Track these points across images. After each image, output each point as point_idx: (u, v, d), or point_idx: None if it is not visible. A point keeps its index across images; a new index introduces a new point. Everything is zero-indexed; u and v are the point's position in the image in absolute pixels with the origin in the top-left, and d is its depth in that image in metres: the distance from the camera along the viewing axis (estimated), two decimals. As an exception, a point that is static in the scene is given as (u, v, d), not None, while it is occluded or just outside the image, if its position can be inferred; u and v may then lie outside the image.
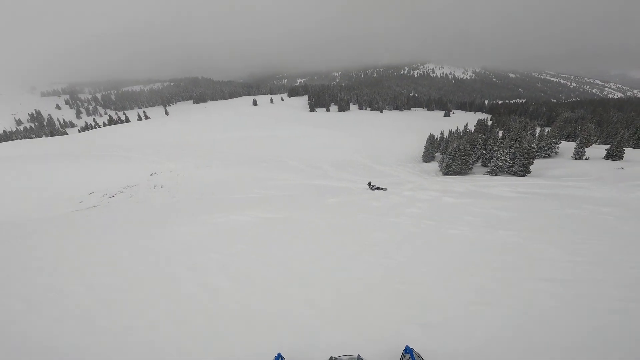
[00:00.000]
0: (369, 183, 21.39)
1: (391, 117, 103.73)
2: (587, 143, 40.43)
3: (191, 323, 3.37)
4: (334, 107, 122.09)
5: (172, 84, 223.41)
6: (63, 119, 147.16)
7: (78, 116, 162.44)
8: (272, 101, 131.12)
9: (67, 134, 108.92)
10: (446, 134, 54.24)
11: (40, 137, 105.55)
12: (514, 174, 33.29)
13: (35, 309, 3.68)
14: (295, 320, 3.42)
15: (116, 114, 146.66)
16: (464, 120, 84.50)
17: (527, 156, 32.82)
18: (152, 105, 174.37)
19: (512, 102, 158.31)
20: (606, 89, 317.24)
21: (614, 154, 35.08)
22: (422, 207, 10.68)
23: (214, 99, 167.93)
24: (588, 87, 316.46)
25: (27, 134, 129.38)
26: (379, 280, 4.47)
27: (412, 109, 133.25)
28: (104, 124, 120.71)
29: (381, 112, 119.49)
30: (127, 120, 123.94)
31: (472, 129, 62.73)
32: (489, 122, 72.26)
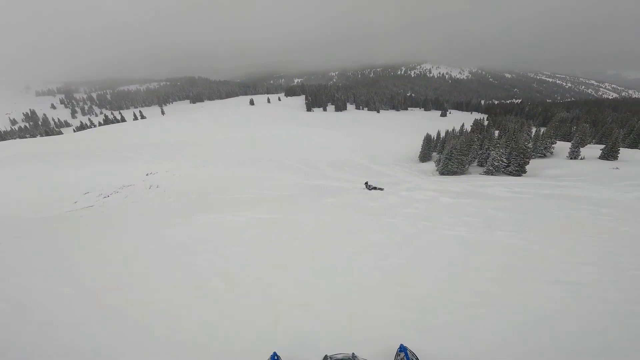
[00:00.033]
0: (366, 183, 21.37)
1: (388, 117, 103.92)
2: (582, 143, 40.68)
3: (184, 326, 3.33)
4: (331, 107, 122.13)
5: (168, 83, 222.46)
6: (58, 119, 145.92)
7: (73, 116, 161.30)
8: (269, 101, 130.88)
9: (62, 133, 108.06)
10: (443, 134, 54.36)
11: (35, 137, 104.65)
12: (510, 173, 33.42)
13: (25, 311, 3.61)
14: (291, 324, 3.38)
15: (112, 113, 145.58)
16: (461, 120, 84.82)
17: (522, 156, 32.96)
18: (148, 105, 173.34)
19: (508, 102, 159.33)
20: (601, 89, 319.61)
21: (609, 154, 35.34)
22: (419, 207, 10.63)
23: (210, 98, 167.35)
24: (583, 87, 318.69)
25: (22, 133, 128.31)
26: (376, 283, 4.42)
27: (409, 108, 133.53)
28: (100, 124, 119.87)
29: (378, 112, 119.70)
30: (123, 119, 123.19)
31: (469, 129, 62.91)
32: (485, 122, 72.58)
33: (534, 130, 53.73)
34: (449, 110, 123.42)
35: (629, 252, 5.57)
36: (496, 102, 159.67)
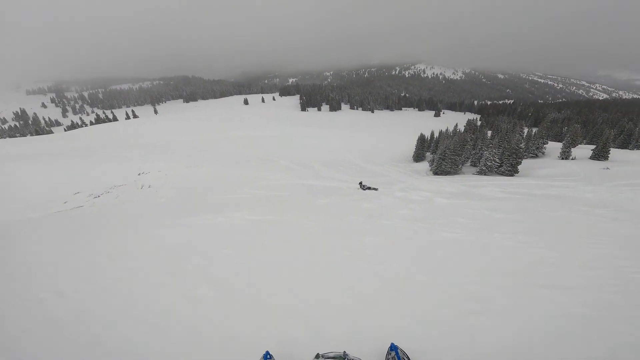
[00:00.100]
0: (360, 183, 21.31)
1: (382, 117, 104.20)
2: (573, 143, 41.17)
3: (169, 335, 3.21)
4: (325, 107, 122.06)
5: (161, 82, 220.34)
6: (49, 118, 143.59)
7: (64, 115, 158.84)
8: (263, 100, 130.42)
9: (52, 132, 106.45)
10: (436, 134, 54.61)
11: (25, 136, 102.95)
12: (503, 173, 33.65)
13: (4, 316, 3.47)
14: (281, 334, 3.28)
15: (103, 112, 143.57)
16: (454, 120, 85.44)
17: (515, 156, 33.20)
18: (141, 104, 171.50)
19: (501, 102, 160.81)
20: (592, 90, 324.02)
21: (600, 155, 35.79)
22: (414, 208, 10.57)
23: (204, 98, 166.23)
24: (574, 88, 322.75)
25: (12, 132, 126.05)
26: (371, 288, 4.31)
27: (403, 109, 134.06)
28: (91, 123, 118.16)
29: (372, 112, 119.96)
30: (115, 119, 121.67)
31: (462, 129, 63.38)
32: (478, 123, 73.19)
33: (526, 130, 54.27)
34: (443, 111, 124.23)
35: (628, 254, 5.50)
36: (489, 103, 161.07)
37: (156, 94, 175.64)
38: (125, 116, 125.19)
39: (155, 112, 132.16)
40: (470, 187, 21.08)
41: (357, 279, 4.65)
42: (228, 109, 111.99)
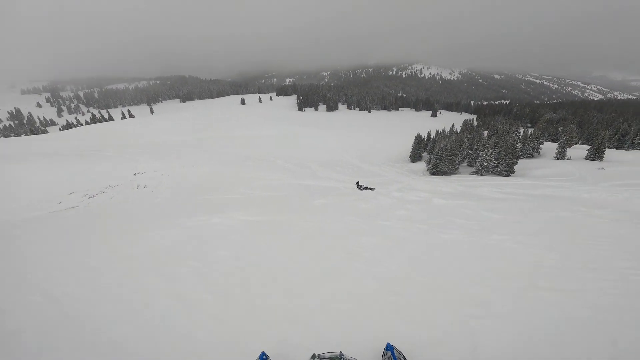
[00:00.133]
0: (357, 183, 21.29)
1: (379, 117, 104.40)
2: (568, 144, 41.42)
3: (161, 342, 3.12)
4: (322, 107, 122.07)
5: (158, 82, 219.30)
6: (44, 117, 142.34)
7: (59, 114, 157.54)
8: (260, 100, 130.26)
9: (47, 132, 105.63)
10: (433, 134, 54.75)
11: (20, 136, 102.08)
12: (499, 173, 33.78)
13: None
14: (277, 335, 3.23)
15: (99, 112, 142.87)
16: (451, 120, 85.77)
17: (511, 156, 33.35)
18: (137, 104, 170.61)
19: (497, 103, 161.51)
20: (587, 90, 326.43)
21: (595, 155, 36.02)
22: (412, 209, 10.48)
23: (201, 97, 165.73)
24: (569, 88, 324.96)
25: (6, 132, 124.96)
26: (368, 291, 4.24)
27: (400, 109, 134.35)
28: (87, 123, 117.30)
29: (369, 112, 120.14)
30: (111, 118, 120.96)
31: (459, 129, 63.70)
32: (475, 123, 73.54)
33: (522, 130, 54.60)
34: (439, 111, 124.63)
35: (629, 256, 5.43)
36: (485, 103, 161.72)
37: (152, 94, 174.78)
38: (121, 116, 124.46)
39: (152, 111, 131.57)
40: (467, 187, 21.11)
41: (354, 280, 4.58)
42: (225, 108, 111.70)
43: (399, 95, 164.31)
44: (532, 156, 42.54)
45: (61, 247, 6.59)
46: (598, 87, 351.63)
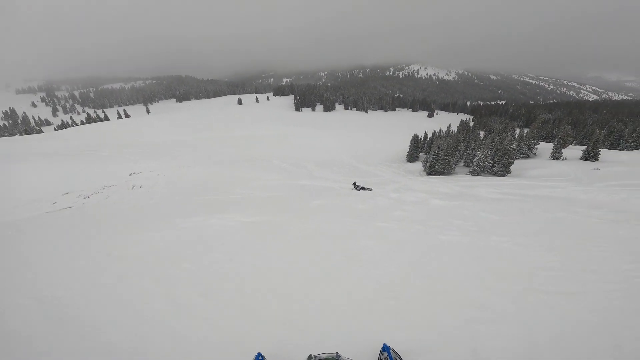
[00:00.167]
0: (354, 183, 21.27)
1: (376, 117, 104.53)
2: (564, 144, 41.67)
3: (154, 346, 3.05)
4: (319, 107, 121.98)
5: (154, 82, 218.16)
6: (39, 117, 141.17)
7: (54, 114, 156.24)
8: (257, 100, 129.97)
9: (42, 132, 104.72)
10: (430, 135, 54.86)
11: (15, 136, 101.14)
12: (495, 174, 33.90)
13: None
14: (273, 338, 3.16)
15: (95, 112, 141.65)
16: (447, 120, 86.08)
17: (507, 157, 33.47)
18: (133, 104, 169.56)
19: (493, 103, 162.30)
20: (582, 91, 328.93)
21: (590, 155, 36.23)
22: (410, 210, 10.45)
23: (197, 97, 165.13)
24: (565, 89, 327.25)
25: (1, 132, 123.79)
26: (366, 295, 4.15)
27: (396, 109, 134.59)
28: (82, 122, 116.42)
29: (366, 112, 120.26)
30: (107, 118, 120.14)
31: (455, 129, 63.85)
32: (471, 123, 73.83)
33: (517, 131, 54.84)
34: (436, 111, 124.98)
35: (631, 258, 5.38)
36: (481, 104, 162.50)
37: (149, 94, 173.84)
38: (117, 116, 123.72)
39: (148, 111, 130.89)
40: (464, 187, 21.15)
41: (352, 283, 4.52)
42: (222, 108, 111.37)
43: (396, 95, 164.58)
44: (527, 156, 42.77)
45: (52, 250, 6.47)
46: (593, 87, 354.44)
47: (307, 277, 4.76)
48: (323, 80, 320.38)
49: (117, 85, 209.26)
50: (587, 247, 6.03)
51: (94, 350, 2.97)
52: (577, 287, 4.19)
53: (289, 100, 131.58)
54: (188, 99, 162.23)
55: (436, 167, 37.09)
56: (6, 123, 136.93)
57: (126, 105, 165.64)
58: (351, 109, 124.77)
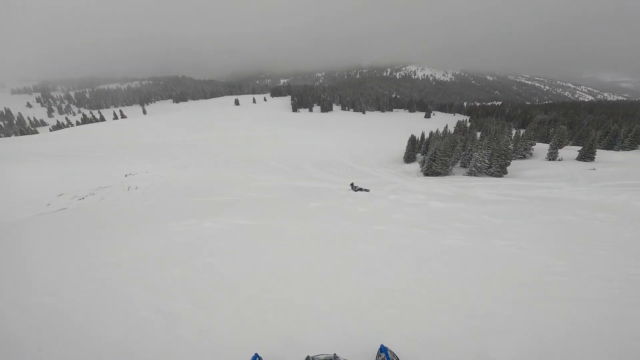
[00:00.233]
0: (352, 184, 21.23)
1: (373, 118, 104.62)
2: (560, 144, 41.81)
3: (138, 356, 2.93)
4: (317, 108, 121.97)
5: (151, 82, 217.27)
6: (34, 118, 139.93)
7: (50, 115, 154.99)
8: (254, 101, 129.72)
9: (37, 132, 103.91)
10: (427, 135, 54.94)
11: (10, 136, 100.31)
12: (492, 174, 33.93)
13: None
14: (268, 345, 3.07)
15: (90, 112, 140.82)
16: (444, 121, 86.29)
17: (504, 157, 33.52)
18: (130, 104, 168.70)
19: (489, 104, 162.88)
20: (577, 92, 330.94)
21: (586, 155, 36.37)
22: (409, 212, 10.31)
23: (194, 98, 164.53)
24: (560, 90, 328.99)
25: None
26: (365, 304, 3.97)
27: (393, 110, 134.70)
28: (78, 123, 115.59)
29: (364, 113, 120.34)
30: (102, 119, 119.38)
31: (452, 130, 64.00)
32: (468, 124, 74.03)
33: (514, 131, 55.03)
34: (433, 112, 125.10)
35: (637, 262, 5.24)
36: (478, 104, 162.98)
37: (145, 94, 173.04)
38: (112, 116, 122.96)
39: (144, 112, 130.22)
40: (462, 188, 21.14)
41: (350, 291, 4.37)
42: (219, 109, 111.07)
43: (393, 96, 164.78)
44: (524, 157, 42.86)
45: (40, 254, 6.30)
46: (588, 88, 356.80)
47: (304, 284, 4.65)
48: (320, 81, 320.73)
49: (113, 86, 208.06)
50: (593, 251, 5.90)
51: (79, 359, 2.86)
52: (589, 293, 4.05)
53: (286, 101, 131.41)
54: (185, 100, 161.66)
55: (433, 167, 37.10)
56: (1, 124, 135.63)
57: (122, 105, 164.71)
58: (348, 110, 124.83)
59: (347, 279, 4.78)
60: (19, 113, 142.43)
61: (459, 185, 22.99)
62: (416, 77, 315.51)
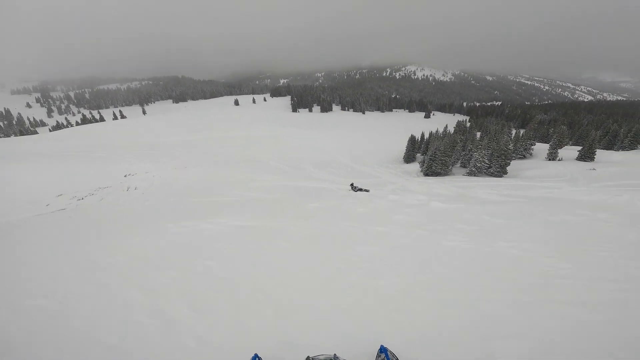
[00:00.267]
0: (352, 184, 21.22)
1: (373, 118, 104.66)
2: (560, 144, 41.80)
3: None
4: (316, 108, 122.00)
5: (150, 82, 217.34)
6: (33, 118, 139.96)
7: (49, 115, 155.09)
8: (254, 101, 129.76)
9: (37, 133, 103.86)
10: (427, 135, 54.94)
11: (9, 137, 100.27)
12: (492, 174, 33.93)
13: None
14: (268, 345, 3.04)
15: (90, 112, 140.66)
16: (444, 121, 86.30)
17: (504, 157, 33.52)
18: (129, 105, 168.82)
19: (489, 104, 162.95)
20: (577, 92, 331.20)
21: (586, 155, 36.38)
22: (410, 213, 10.24)
23: (194, 98, 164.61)
24: (560, 90, 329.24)
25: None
26: (365, 308, 3.89)
27: (393, 110, 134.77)
28: (77, 123, 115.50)
29: (363, 113, 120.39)
30: (102, 119, 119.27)
31: (452, 130, 63.99)
32: (468, 124, 74.03)
33: (513, 132, 55.02)
34: (433, 112, 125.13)
35: None
36: (478, 104, 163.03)
37: (145, 94, 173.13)
38: (112, 117, 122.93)
39: (144, 112, 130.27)
40: (462, 188, 21.10)
41: (350, 295, 4.31)
42: (218, 109, 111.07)
43: (393, 96, 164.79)
44: (524, 157, 42.87)
45: (35, 255, 6.22)
46: (588, 88, 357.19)
47: (305, 283, 4.63)
48: (320, 81, 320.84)
49: (112, 86, 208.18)
50: (598, 253, 5.83)
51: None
52: (596, 297, 3.97)
53: (286, 101, 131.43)
54: (184, 100, 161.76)
55: (433, 167, 37.09)
56: (1, 124, 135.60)
57: (122, 106, 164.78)
58: (348, 110, 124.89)
59: (347, 280, 4.74)
60: (19, 113, 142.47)
61: (459, 186, 22.96)
62: (416, 77, 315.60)
